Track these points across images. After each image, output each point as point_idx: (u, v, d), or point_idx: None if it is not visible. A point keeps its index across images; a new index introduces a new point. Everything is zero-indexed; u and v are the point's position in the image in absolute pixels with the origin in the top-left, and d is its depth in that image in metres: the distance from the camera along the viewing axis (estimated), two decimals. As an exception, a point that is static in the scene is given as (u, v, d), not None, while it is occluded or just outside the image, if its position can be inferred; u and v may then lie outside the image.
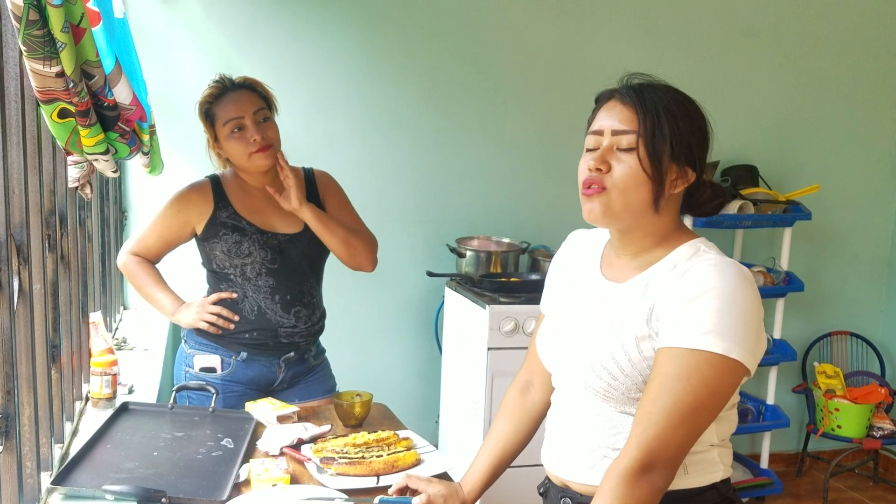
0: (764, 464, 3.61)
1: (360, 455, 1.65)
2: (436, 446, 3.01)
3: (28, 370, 1.44)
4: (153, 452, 1.68)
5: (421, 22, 3.25)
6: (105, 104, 1.44)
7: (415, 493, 1.45)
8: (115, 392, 2.03)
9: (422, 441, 1.82)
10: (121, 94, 1.53)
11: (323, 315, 2.24)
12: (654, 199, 1.22)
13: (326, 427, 1.87)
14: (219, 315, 2.09)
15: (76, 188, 1.85)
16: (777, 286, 3.45)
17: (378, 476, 1.62)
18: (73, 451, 1.64)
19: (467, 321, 3.01)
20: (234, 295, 2.11)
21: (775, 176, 3.69)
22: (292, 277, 2.13)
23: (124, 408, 1.91)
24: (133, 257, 2.17)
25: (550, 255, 3.16)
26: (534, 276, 3.12)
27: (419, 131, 3.30)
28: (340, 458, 1.64)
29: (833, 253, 3.90)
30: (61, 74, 1.17)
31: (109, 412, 1.89)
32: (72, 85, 1.21)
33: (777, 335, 3.56)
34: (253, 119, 2.04)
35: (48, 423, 1.60)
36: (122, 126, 1.59)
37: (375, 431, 1.78)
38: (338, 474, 1.61)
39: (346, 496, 1.53)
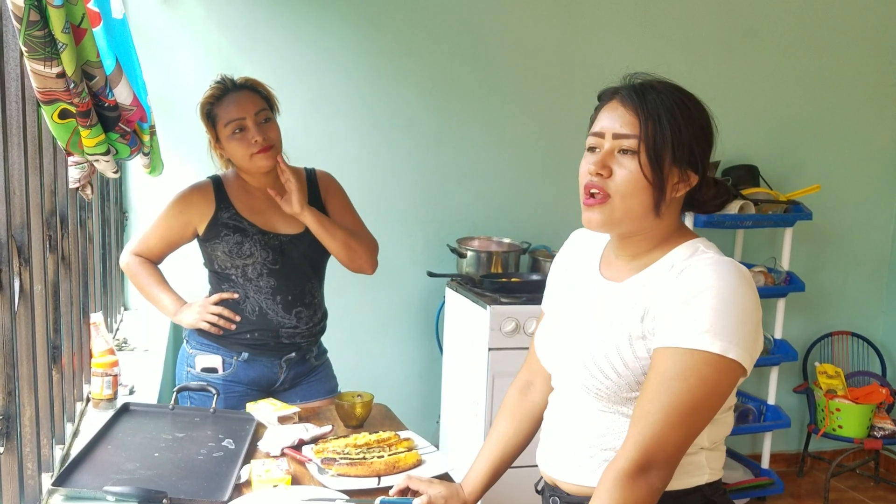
0: (765, 464, 3.61)
1: (361, 456, 1.65)
2: (437, 447, 3.01)
3: (29, 371, 1.44)
4: (154, 453, 1.68)
5: (421, 22, 3.24)
6: (106, 105, 1.44)
7: (416, 494, 1.45)
8: (115, 393, 2.03)
9: (423, 442, 1.82)
10: (121, 94, 1.53)
11: (324, 315, 2.24)
12: (654, 204, 1.22)
13: (327, 428, 1.87)
14: (220, 315, 2.09)
15: (77, 189, 1.84)
16: (778, 286, 3.45)
17: (379, 477, 1.62)
18: (74, 452, 1.64)
19: (468, 321, 3.00)
20: (236, 295, 2.11)
21: (776, 176, 3.68)
22: (294, 278, 2.13)
23: (125, 409, 1.91)
24: (135, 258, 2.17)
25: (551, 256, 3.16)
26: (534, 277, 3.12)
27: (419, 131, 3.30)
28: (341, 458, 1.64)
29: (834, 253, 3.89)
30: (62, 75, 1.16)
31: (110, 413, 1.89)
32: (72, 85, 1.21)
33: (778, 335, 3.56)
34: (254, 120, 2.04)
35: (49, 424, 1.60)
36: (122, 127, 1.59)
37: (376, 432, 1.78)
38: (339, 475, 1.61)
39: (347, 497, 1.53)
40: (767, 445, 3.61)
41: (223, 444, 1.76)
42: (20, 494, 1.39)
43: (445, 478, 1.64)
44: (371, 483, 1.60)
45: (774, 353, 3.50)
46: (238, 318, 2.10)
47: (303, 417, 1.96)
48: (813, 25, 3.67)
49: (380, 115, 3.24)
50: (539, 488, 1.44)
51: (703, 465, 1.26)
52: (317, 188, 2.21)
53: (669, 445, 1.15)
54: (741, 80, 3.62)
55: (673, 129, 1.20)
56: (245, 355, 2.13)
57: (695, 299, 1.14)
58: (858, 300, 3.97)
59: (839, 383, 3.72)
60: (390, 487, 1.50)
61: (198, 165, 2.65)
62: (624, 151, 1.22)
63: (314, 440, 1.80)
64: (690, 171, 1.24)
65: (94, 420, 1.94)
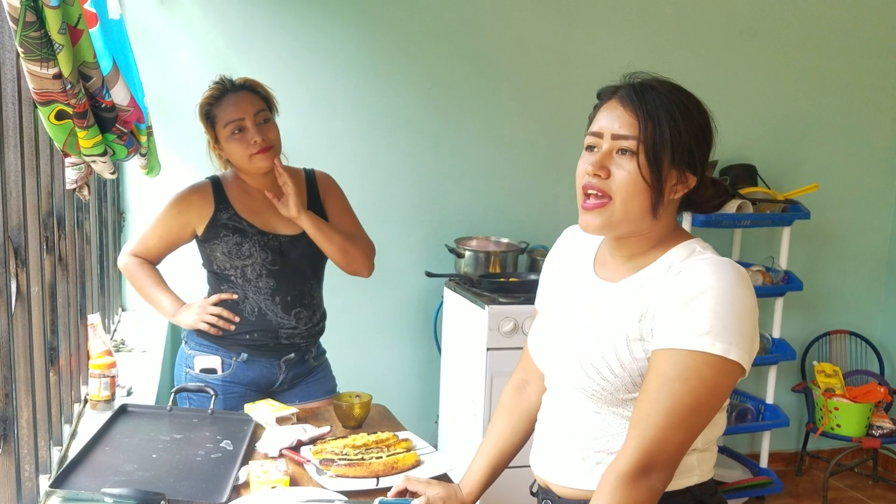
0: (763, 463, 3.61)
1: (359, 456, 1.65)
2: (435, 446, 3.01)
3: (26, 373, 1.44)
4: (152, 455, 1.68)
5: (420, 22, 3.24)
6: (103, 105, 1.44)
7: (414, 495, 1.45)
8: (113, 394, 2.03)
9: (421, 442, 1.82)
10: (118, 95, 1.53)
11: (323, 316, 2.24)
12: (652, 206, 1.21)
13: (326, 428, 1.87)
14: (219, 316, 2.09)
15: (74, 190, 1.84)
16: (776, 285, 3.45)
17: (378, 478, 1.62)
18: (72, 454, 1.64)
19: (466, 321, 3.00)
20: (235, 296, 2.11)
21: (774, 175, 3.69)
22: (293, 279, 2.12)
23: (123, 410, 1.90)
24: (134, 258, 2.17)
25: (549, 255, 3.15)
26: (533, 277, 3.12)
27: (418, 131, 3.30)
28: (340, 459, 1.64)
29: (832, 252, 3.90)
30: (59, 76, 1.16)
31: (108, 414, 1.88)
32: (69, 86, 1.20)
33: (776, 334, 3.56)
34: (253, 120, 2.04)
35: (46, 426, 1.59)
36: (119, 127, 1.58)
37: (375, 433, 1.78)
38: (337, 476, 1.61)
39: (345, 498, 1.53)
40: (766, 444, 3.61)
41: (221, 445, 1.76)
42: (17, 496, 1.39)
43: (444, 478, 1.64)
44: (369, 484, 1.59)
45: (773, 352, 3.49)
46: (237, 319, 2.10)
47: (301, 418, 1.95)
48: (811, 25, 3.68)
49: (378, 116, 3.24)
50: (534, 490, 1.43)
51: (694, 466, 1.25)
52: (316, 189, 2.21)
53: (670, 447, 1.14)
54: (739, 80, 3.62)
55: (672, 130, 1.19)
56: (244, 356, 2.12)
57: (694, 300, 1.14)
58: (856, 299, 3.97)
59: (837, 382, 3.72)
60: (389, 488, 1.50)
61: (196, 166, 2.65)
62: (622, 152, 1.20)
63: (312, 441, 1.80)
64: (689, 172, 1.22)
65: (91, 421, 1.94)
